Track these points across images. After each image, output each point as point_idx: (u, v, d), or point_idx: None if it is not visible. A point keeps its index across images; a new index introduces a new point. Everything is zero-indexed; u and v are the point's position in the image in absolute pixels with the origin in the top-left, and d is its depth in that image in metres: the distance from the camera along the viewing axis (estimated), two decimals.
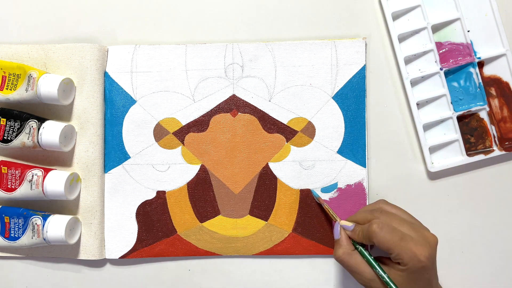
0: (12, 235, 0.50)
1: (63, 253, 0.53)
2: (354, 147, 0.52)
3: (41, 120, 0.50)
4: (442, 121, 0.52)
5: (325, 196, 0.52)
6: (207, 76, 0.52)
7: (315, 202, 0.52)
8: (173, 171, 0.53)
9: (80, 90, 0.51)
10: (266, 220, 0.52)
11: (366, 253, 0.45)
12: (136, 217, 0.53)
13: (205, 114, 0.53)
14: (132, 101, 0.53)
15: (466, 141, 0.52)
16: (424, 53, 0.51)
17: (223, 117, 0.52)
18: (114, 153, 0.53)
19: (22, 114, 0.50)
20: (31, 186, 0.49)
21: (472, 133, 0.52)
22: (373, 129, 0.52)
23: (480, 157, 0.51)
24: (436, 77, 0.51)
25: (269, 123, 0.52)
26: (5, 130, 0.49)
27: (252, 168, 0.52)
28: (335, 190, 0.52)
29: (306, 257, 0.53)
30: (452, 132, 0.51)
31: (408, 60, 0.52)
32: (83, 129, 0.52)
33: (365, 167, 0.52)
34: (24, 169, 0.50)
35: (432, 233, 0.44)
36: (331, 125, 0.52)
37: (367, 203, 0.52)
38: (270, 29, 0.53)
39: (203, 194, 0.53)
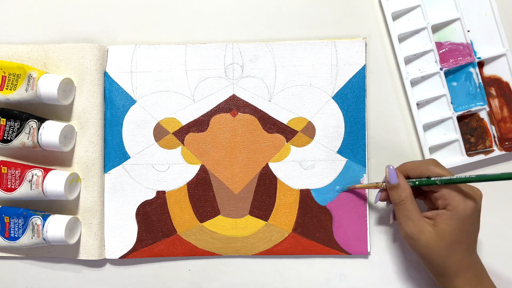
0: (12, 235, 0.50)
1: (63, 253, 0.53)
2: (354, 147, 0.52)
3: (41, 120, 0.50)
4: (442, 121, 0.52)
5: (324, 197, 0.52)
6: (207, 76, 0.52)
7: (315, 203, 0.52)
8: (173, 171, 0.53)
9: (80, 90, 0.51)
10: (266, 220, 0.52)
11: (424, 181, 0.45)
12: (136, 217, 0.53)
13: (205, 114, 0.53)
14: (132, 101, 0.53)
15: (466, 141, 0.52)
16: (424, 53, 0.51)
17: (223, 117, 0.52)
18: (114, 153, 0.53)
19: (22, 114, 0.50)
20: (31, 186, 0.49)
21: (472, 133, 0.52)
22: (373, 129, 0.52)
23: (480, 157, 0.51)
24: (436, 77, 0.51)
25: (269, 123, 0.52)
26: (5, 130, 0.49)
27: (252, 168, 0.52)
28: (335, 191, 0.52)
29: (306, 257, 0.53)
30: (452, 132, 0.51)
31: (408, 60, 0.52)
32: (83, 129, 0.52)
33: (365, 167, 0.52)
34: (24, 169, 0.50)
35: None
36: (331, 125, 0.52)
37: (367, 204, 0.52)
38: (270, 29, 0.53)
39: (203, 194, 0.53)
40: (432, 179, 0.44)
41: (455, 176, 0.43)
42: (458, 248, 0.43)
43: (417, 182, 0.45)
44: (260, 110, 0.52)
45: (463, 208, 0.43)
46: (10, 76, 0.50)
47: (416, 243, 0.44)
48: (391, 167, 0.46)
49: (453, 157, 0.51)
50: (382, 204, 0.52)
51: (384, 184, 0.47)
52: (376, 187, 0.48)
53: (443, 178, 0.43)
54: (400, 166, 0.47)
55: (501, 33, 0.50)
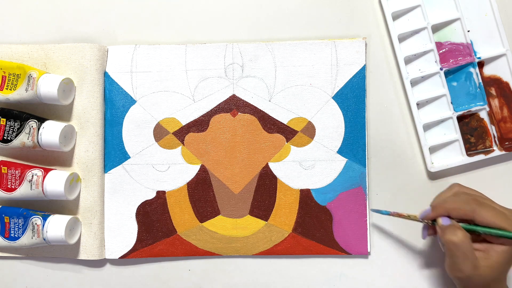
0: (12, 235, 0.50)
1: (63, 253, 0.53)
2: (354, 147, 0.52)
3: (41, 120, 0.50)
4: (442, 121, 0.52)
5: (324, 197, 0.52)
6: (207, 76, 0.52)
7: (315, 203, 0.52)
8: (173, 171, 0.53)
9: (80, 90, 0.51)
10: (266, 220, 0.52)
11: (479, 228, 0.43)
12: (136, 217, 0.53)
13: (205, 114, 0.53)
14: (132, 101, 0.53)
15: (466, 141, 0.52)
16: (424, 53, 0.51)
17: (223, 117, 0.52)
18: (114, 153, 0.53)
19: (22, 114, 0.50)
20: (31, 186, 0.49)
21: (472, 133, 0.52)
22: (373, 129, 0.52)
23: (480, 157, 0.51)
24: (436, 77, 0.51)
25: (269, 123, 0.52)
26: (5, 130, 0.49)
27: (252, 168, 0.52)
28: (335, 190, 0.52)
29: (306, 257, 0.53)
30: (452, 132, 0.51)
31: (408, 60, 0.52)
32: (83, 129, 0.52)
33: (365, 167, 0.52)
34: (24, 169, 0.50)
35: None
36: (331, 125, 0.52)
37: (367, 204, 0.52)
38: (270, 29, 0.53)
39: (203, 194, 0.53)
40: (481, 231, 0.43)
41: (505, 233, 0.42)
42: (505, 275, 0.43)
43: (472, 228, 0.43)
44: (260, 110, 0.52)
45: None
46: (10, 76, 0.50)
47: (470, 280, 0.43)
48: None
49: (453, 157, 0.51)
50: (387, 200, 0.52)
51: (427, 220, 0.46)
52: (420, 221, 0.46)
53: (495, 231, 0.42)
54: (438, 203, 0.45)
55: (501, 33, 0.50)
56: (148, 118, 0.53)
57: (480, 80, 0.51)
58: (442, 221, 0.44)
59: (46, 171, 0.50)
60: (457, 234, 0.43)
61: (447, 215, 0.44)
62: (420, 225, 0.49)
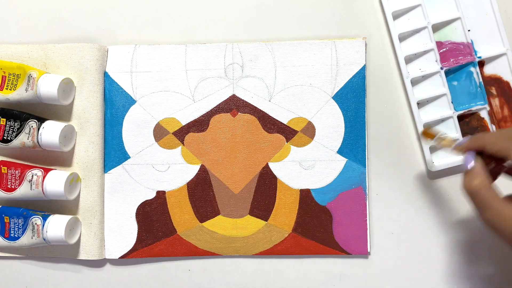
0: (12, 235, 0.50)
1: (63, 253, 0.53)
2: (354, 147, 0.52)
3: (41, 120, 0.50)
4: (442, 120, 0.52)
5: (324, 197, 0.52)
6: (207, 76, 0.52)
7: (315, 203, 0.52)
8: (173, 171, 0.53)
9: (80, 90, 0.52)
10: (266, 220, 0.52)
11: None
12: (136, 217, 0.53)
13: (205, 114, 0.53)
14: (132, 101, 0.53)
15: None
16: (425, 52, 0.51)
17: (223, 117, 0.52)
18: (114, 153, 0.53)
19: (22, 114, 0.50)
20: (31, 186, 0.49)
21: (472, 132, 0.52)
22: (373, 129, 0.52)
23: None
24: (436, 77, 0.51)
25: (269, 123, 0.52)
26: (5, 130, 0.49)
27: (252, 168, 0.52)
28: (335, 190, 0.52)
29: (306, 257, 0.53)
30: (452, 131, 0.51)
31: (409, 60, 0.51)
32: (83, 129, 0.52)
33: (365, 167, 0.52)
34: (24, 169, 0.50)
35: None
36: (331, 125, 0.52)
37: (367, 204, 0.52)
38: (270, 29, 0.53)
39: (203, 194, 0.53)
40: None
41: None
42: None
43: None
44: (260, 110, 0.52)
45: None
46: (10, 76, 0.50)
47: (502, 232, 0.38)
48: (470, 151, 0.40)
49: (454, 156, 0.51)
50: (387, 200, 0.52)
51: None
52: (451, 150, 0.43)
53: None
54: (478, 138, 0.41)
55: (501, 33, 0.50)
56: (148, 118, 0.53)
57: (481, 80, 0.51)
58: (465, 161, 0.40)
59: (46, 171, 0.50)
60: (474, 181, 0.39)
61: (482, 148, 0.40)
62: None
